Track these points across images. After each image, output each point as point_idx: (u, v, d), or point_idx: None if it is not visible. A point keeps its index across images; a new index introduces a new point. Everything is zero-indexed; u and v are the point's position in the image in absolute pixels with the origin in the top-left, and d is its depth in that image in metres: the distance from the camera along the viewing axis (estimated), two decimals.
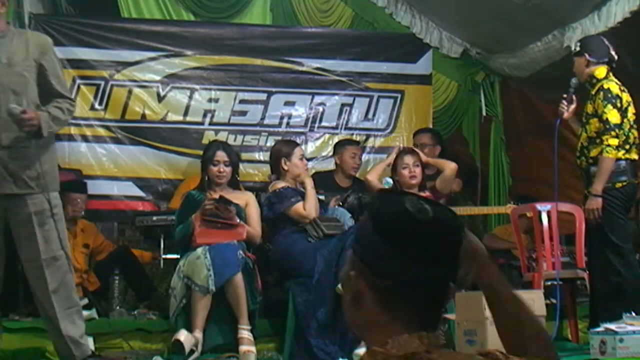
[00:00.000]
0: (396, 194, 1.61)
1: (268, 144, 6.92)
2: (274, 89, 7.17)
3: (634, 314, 4.64)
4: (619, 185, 5.06)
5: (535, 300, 4.83)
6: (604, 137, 5.01)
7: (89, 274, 6.02)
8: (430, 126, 7.26)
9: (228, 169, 5.51)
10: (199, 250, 5.08)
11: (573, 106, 5.32)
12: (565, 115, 5.31)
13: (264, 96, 7.17)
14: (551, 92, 6.32)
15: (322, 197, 5.73)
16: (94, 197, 6.48)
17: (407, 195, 1.55)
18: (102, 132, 6.85)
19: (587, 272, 5.39)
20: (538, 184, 7.20)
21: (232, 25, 7.35)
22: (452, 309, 5.18)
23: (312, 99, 7.27)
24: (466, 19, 7.17)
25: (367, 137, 7.34)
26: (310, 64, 7.26)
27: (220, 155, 5.50)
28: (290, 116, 7.22)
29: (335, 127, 7.30)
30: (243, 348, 4.98)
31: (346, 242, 4.89)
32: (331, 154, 6.97)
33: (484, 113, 7.73)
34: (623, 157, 5.04)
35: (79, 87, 6.81)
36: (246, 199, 5.54)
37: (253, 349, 5.02)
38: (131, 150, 6.88)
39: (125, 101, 6.89)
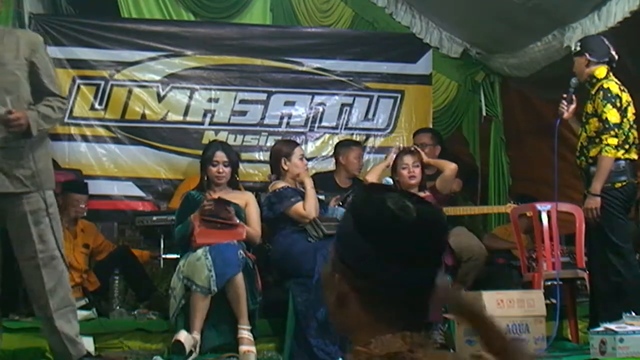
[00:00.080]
0: (380, 191, 1.55)
1: (268, 144, 6.92)
2: (274, 89, 7.18)
3: (634, 314, 4.64)
4: (618, 185, 5.06)
5: (535, 300, 4.85)
6: (604, 137, 5.01)
7: (89, 274, 6.02)
8: (430, 126, 7.26)
9: (227, 169, 5.51)
10: (200, 251, 5.07)
11: (573, 106, 5.32)
12: (565, 115, 5.31)
13: (264, 96, 7.17)
14: (551, 92, 6.32)
15: (322, 197, 5.73)
16: (94, 197, 6.47)
17: (391, 193, 1.52)
18: (102, 132, 6.85)
19: (587, 272, 5.39)
20: (538, 184, 7.20)
21: (232, 25, 7.35)
22: None
23: (312, 99, 7.27)
24: (466, 19, 7.17)
25: (367, 137, 7.34)
26: (310, 64, 7.26)
27: (220, 155, 5.50)
28: (290, 116, 7.22)
29: (335, 127, 7.30)
30: (243, 348, 4.98)
31: None
32: (331, 154, 6.97)
33: (484, 113, 7.74)
34: (622, 157, 5.04)
35: (79, 87, 6.81)
36: (246, 199, 5.54)
37: (253, 349, 5.02)
38: (131, 150, 6.88)
39: (125, 101, 6.89)
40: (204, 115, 7.05)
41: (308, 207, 5.37)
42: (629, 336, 4.41)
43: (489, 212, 7.32)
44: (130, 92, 6.91)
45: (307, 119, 7.24)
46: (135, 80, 6.93)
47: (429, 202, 1.58)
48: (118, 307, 5.80)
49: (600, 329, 4.54)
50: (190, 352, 4.91)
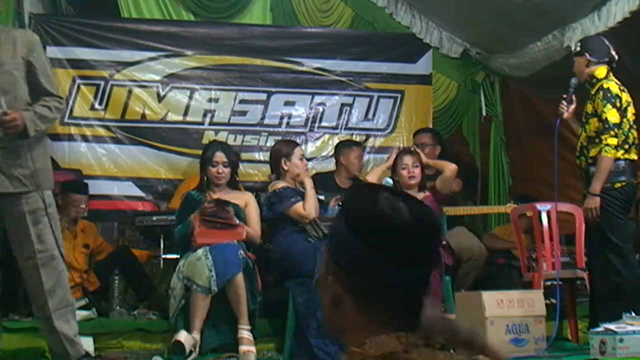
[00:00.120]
0: (372, 191, 1.53)
1: (268, 144, 6.92)
2: (274, 89, 7.18)
3: (634, 314, 4.64)
4: (618, 185, 5.05)
5: (535, 300, 4.85)
6: (603, 137, 5.00)
7: (89, 274, 6.02)
8: (430, 126, 7.26)
9: (227, 170, 5.51)
10: (200, 251, 5.07)
11: (573, 106, 5.32)
12: (565, 115, 5.31)
13: (264, 96, 7.17)
14: (551, 92, 6.32)
15: (322, 197, 5.73)
16: (94, 197, 6.47)
17: (383, 193, 1.50)
18: (102, 132, 6.85)
19: (587, 272, 5.38)
20: (538, 184, 7.20)
21: (232, 25, 7.35)
22: (452, 309, 5.19)
23: (312, 99, 7.27)
24: (466, 19, 7.17)
25: (367, 137, 7.34)
26: (310, 64, 7.26)
27: (219, 156, 5.50)
28: (290, 116, 7.22)
29: (335, 127, 7.30)
30: (243, 348, 4.98)
31: None
32: (331, 154, 6.97)
33: (484, 113, 7.74)
34: (622, 157, 5.04)
35: (79, 87, 6.81)
36: (245, 199, 5.54)
37: (253, 349, 5.02)
38: (131, 150, 6.88)
39: (125, 101, 6.89)
40: (204, 115, 7.05)
41: (308, 207, 5.37)
42: (629, 336, 4.41)
43: (489, 212, 7.32)
44: (130, 92, 6.91)
45: (307, 119, 7.24)
46: (135, 80, 6.93)
47: (421, 201, 1.56)
48: (118, 307, 5.80)
49: (600, 329, 4.53)
50: (190, 352, 4.91)
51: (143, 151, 6.89)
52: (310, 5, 7.54)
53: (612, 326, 4.48)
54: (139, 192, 6.87)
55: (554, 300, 5.25)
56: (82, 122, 6.81)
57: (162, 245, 6.21)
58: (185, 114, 7.02)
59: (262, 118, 7.14)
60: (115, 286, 5.90)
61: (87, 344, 4.93)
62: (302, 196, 5.43)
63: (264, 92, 7.17)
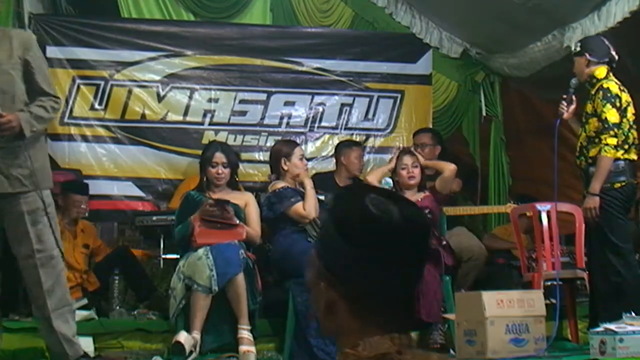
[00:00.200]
0: (358, 192, 1.52)
1: (268, 144, 6.92)
2: (274, 89, 7.17)
3: (633, 314, 4.64)
4: (617, 185, 5.05)
5: (535, 300, 4.84)
6: (603, 137, 5.00)
7: (89, 274, 6.01)
8: (430, 126, 7.26)
9: (227, 170, 5.51)
10: (200, 250, 5.08)
11: (573, 106, 5.32)
12: (565, 115, 5.30)
13: (263, 96, 7.17)
14: (551, 92, 6.32)
15: (322, 197, 5.73)
16: (94, 197, 6.47)
17: (371, 194, 1.49)
18: (102, 132, 6.85)
19: (587, 272, 5.38)
20: (538, 184, 7.20)
21: (232, 25, 7.35)
22: (452, 309, 5.19)
23: (312, 99, 7.26)
24: (466, 19, 7.17)
25: (367, 137, 7.34)
26: (310, 64, 7.26)
27: (219, 156, 5.50)
28: (290, 116, 7.22)
29: (335, 127, 7.30)
30: (243, 348, 4.98)
31: None
32: (331, 154, 6.97)
33: (484, 113, 7.73)
34: (622, 157, 5.03)
35: (79, 87, 6.81)
36: (245, 200, 5.54)
37: (253, 349, 5.02)
38: (131, 150, 6.88)
39: (125, 101, 6.89)
40: (204, 115, 7.04)
41: (308, 207, 5.37)
42: (629, 336, 4.40)
43: (489, 212, 7.32)
44: (130, 92, 6.91)
45: (307, 119, 7.24)
46: (135, 80, 6.93)
47: (411, 202, 1.55)
48: (118, 307, 5.80)
49: (600, 329, 4.53)
50: (191, 352, 4.91)
51: (143, 151, 6.89)
52: (310, 5, 7.54)
53: (612, 326, 4.47)
54: (139, 192, 6.87)
55: (554, 300, 5.25)
56: (82, 122, 6.81)
57: (162, 245, 6.21)
58: (185, 114, 7.02)
59: (262, 118, 7.14)
60: (115, 286, 5.90)
61: (87, 344, 4.94)
62: (302, 196, 5.43)
63: (264, 92, 7.17)
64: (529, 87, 7.67)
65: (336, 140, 7.08)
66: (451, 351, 5.20)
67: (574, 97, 5.32)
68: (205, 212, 5.23)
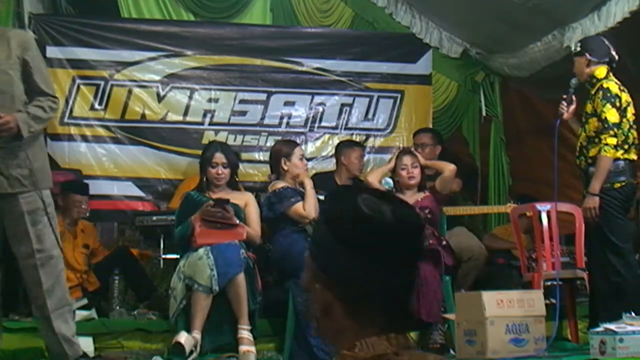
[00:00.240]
0: (351, 194, 1.52)
1: (268, 144, 6.92)
2: (274, 89, 7.17)
3: (633, 314, 4.64)
4: (617, 185, 5.05)
5: (535, 300, 4.84)
6: (603, 137, 5.00)
7: (89, 274, 6.02)
8: (430, 126, 7.26)
9: (226, 171, 5.50)
10: (201, 250, 5.08)
11: (573, 107, 5.32)
12: (565, 116, 5.30)
13: (263, 96, 7.17)
14: (551, 92, 6.32)
15: (322, 197, 5.73)
16: (94, 197, 6.47)
17: (363, 195, 1.49)
18: (102, 132, 6.85)
19: (587, 272, 5.38)
20: (538, 184, 7.20)
21: (232, 25, 7.35)
22: (452, 309, 5.19)
23: (312, 99, 7.26)
24: (466, 19, 7.17)
25: (367, 137, 7.34)
26: (310, 64, 7.26)
27: (219, 157, 5.49)
28: (290, 116, 7.22)
29: (335, 127, 7.30)
30: (243, 348, 4.98)
31: None
32: (331, 154, 6.97)
33: (484, 113, 7.73)
34: (622, 157, 5.03)
35: (79, 87, 6.81)
36: (245, 200, 5.54)
37: (253, 349, 5.02)
38: (131, 150, 6.88)
39: (125, 101, 6.89)
40: (204, 115, 7.04)
41: (308, 207, 5.37)
42: (629, 336, 4.40)
43: (489, 212, 7.32)
44: (130, 92, 6.91)
45: (307, 119, 7.24)
46: (135, 80, 6.93)
47: (403, 201, 1.55)
48: (118, 307, 5.80)
49: (600, 329, 4.53)
50: (191, 352, 4.91)
51: (143, 151, 6.89)
52: (310, 5, 7.54)
53: (612, 326, 4.47)
54: (139, 192, 6.87)
55: (553, 300, 5.25)
56: (82, 122, 6.81)
57: (162, 245, 6.21)
58: (185, 114, 7.02)
59: (262, 118, 7.14)
60: (115, 286, 5.90)
61: (87, 344, 4.94)
62: (302, 196, 5.43)
63: (264, 92, 7.17)
64: (529, 87, 7.67)
65: (336, 140, 7.08)
66: (451, 351, 5.20)
67: (574, 97, 5.32)
68: (206, 212, 5.23)
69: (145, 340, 5.40)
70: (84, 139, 6.80)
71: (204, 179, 5.52)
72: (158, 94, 6.97)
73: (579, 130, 5.29)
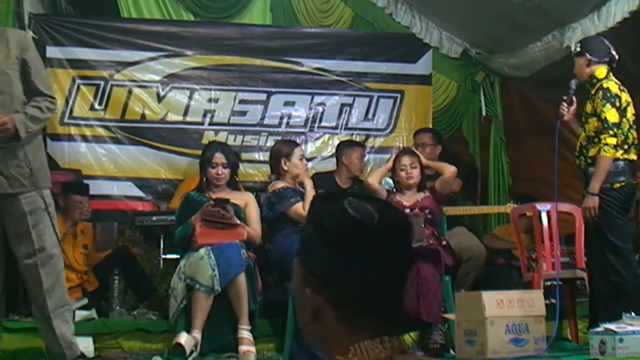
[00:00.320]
0: (338, 198, 1.51)
1: (268, 144, 6.92)
2: (273, 89, 7.17)
3: (633, 314, 4.64)
4: (617, 185, 5.05)
5: (535, 300, 4.84)
6: (602, 136, 5.00)
7: (89, 274, 6.02)
8: (430, 126, 7.25)
9: (226, 171, 5.50)
10: (202, 250, 5.07)
11: (573, 107, 5.32)
12: (566, 117, 5.31)
13: (263, 96, 7.17)
14: (551, 92, 6.32)
15: None
16: (94, 197, 6.47)
17: (350, 199, 1.49)
18: (102, 132, 6.84)
19: (587, 272, 5.38)
20: (538, 184, 7.20)
21: (232, 25, 7.34)
22: (452, 309, 5.19)
23: (312, 99, 7.26)
24: (466, 19, 7.17)
25: (367, 137, 7.34)
26: (310, 64, 7.25)
27: (219, 157, 5.49)
28: (290, 116, 7.22)
29: (335, 127, 7.30)
30: (243, 348, 4.98)
31: None
32: (331, 154, 6.97)
33: (484, 113, 7.73)
34: (621, 157, 5.03)
35: (78, 87, 6.81)
36: (246, 200, 5.54)
37: (253, 349, 5.02)
38: (131, 150, 6.87)
39: (125, 101, 6.89)
40: (204, 116, 7.04)
41: (308, 207, 5.36)
42: (629, 336, 4.40)
43: (489, 212, 7.32)
44: (130, 92, 6.91)
45: (307, 119, 7.24)
46: (135, 80, 6.93)
47: (389, 203, 1.56)
48: (118, 307, 5.80)
49: (600, 329, 4.53)
50: (191, 352, 4.91)
51: (143, 151, 6.89)
52: (310, 5, 7.54)
53: (612, 326, 4.47)
54: (138, 192, 6.86)
55: (553, 300, 5.26)
56: (82, 122, 6.81)
57: (162, 245, 6.21)
58: (185, 114, 7.01)
59: (262, 118, 7.14)
60: (115, 286, 5.90)
61: (87, 344, 4.94)
62: (302, 196, 5.43)
63: (263, 92, 7.17)
64: (529, 87, 7.67)
65: (336, 140, 7.08)
66: (451, 351, 5.20)
67: (574, 98, 5.32)
68: (206, 212, 5.22)
69: (145, 340, 5.40)
70: (84, 139, 6.80)
71: (204, 179, 5.52)
72: (158, 94, 6.96)
73: (579, 130, 5.29)
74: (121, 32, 6.97)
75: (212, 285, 4.96)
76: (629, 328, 4.45)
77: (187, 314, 5.06)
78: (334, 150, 6.92)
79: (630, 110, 5.11)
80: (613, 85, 5.08)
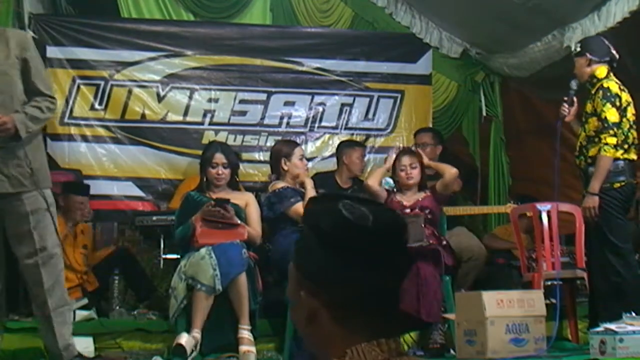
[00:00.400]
0: (332, 200, 1.51)
1: (268, 144, 6.92)
2: (274, 89, 7.17)
3: (634, 314, 4.64)
4: (617, 185, 5.05)
5: (535, 300, 4.84)
6: (602, 136, 5.01)
7: (88, 274, 6.02)
8: (431, 126, 7.25)
9: (227, 171, 5.50)
10: (203, 250, 5.07)
11: (574, 108, 5.32)
12: (567, 118, 5.31)
13: (264, 96, 7.17)
14: (551, 92, 6.32)
15: None
16: (94, 197, 6.46)
17: (344, 201, 1.49)
18: (102, 132, 6.84)
19: (587, 272, 5.38)
20: (538, 184, 7.20)
21: (232, 25, 7.34)
22: (452, 309, 5.19)
23: (312, 99, 7.26)
24: (466, 19, 7.16)
25: (367, 137, 7.33)
26: (310, 64, 7.25)
27: (219, 157, 5.49)
28: (290, 116, 7.22)
29: (335, 127, 7.29)
30: (243, 348, 4.98)
31: None
32: (331, 154, 6.97)
33: (484, 113, 7.73)
34: (621, 157, 5.03)
35: (79, 87, 6.81)
36: (246, 200, 5.54)
37: (253, 349, 5.02)
38: (131, 150, 6.87)
39: (125, 101, 6.89)
40: (204, 115, 7.04)
41: None
42: (629, 336, 4.40)
43: (489, 212, 7.32)
44: (130, 92, 6.91)
45: (307, 119, 7.24)
46: (135, 80, 6.93)
47: (384, 205, 1.57)
48: (118, 307, 5.80)
49: (600, 329, 4.53)
50: (191, 352, 4.91)
51: (143, 151, 6.89)
52: (310, 5, 7.53)
53: (612, 326, 4.47)
54: (139, 192, 6.86)
55: (554, 300, 5.25)
56: (82, 122, 6.81)
57: (162, 245, 6.21)
58: (185, 114, 7.01)
59: (262, 118, 7.14)
60: (115, 286, 5.90)
61: (87, 344, 4.95)
62: (302, 196, 5.43)
63: (264, 92, 7.17)
64: (529, 87, 7.67)
65: (336, 140, 7.08)
66: (451, 351, 5.20)
67: (575, 99, 5.32)
68: (207, 212, 5.22)
69: (145, 340, 5.41)
70: (84, 139, 6.80)
71: (204, 179, 5.52)
72: (158, 94, 6.96)
73: (579, 130, 5.29)
74: (121, 32, 6.97)
75: (213, 285, 4.95)
76: (629, 328, 4.45)
77: (187, 314, 5.06)
78: (334, 150, 6.92)
79: (631, 110, 5.11)
80: (613, 84, 5.08)
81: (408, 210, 5.52)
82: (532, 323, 4.75)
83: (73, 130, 6.78)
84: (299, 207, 5.37)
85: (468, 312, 4.81)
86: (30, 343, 4.96)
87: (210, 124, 7.04)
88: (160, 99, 6.97)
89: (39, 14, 6.85)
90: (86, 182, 6.47)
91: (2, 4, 6.09)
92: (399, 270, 1.49)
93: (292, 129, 7.18)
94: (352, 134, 7.27)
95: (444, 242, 5.55)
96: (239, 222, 5.30)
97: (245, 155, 6.88)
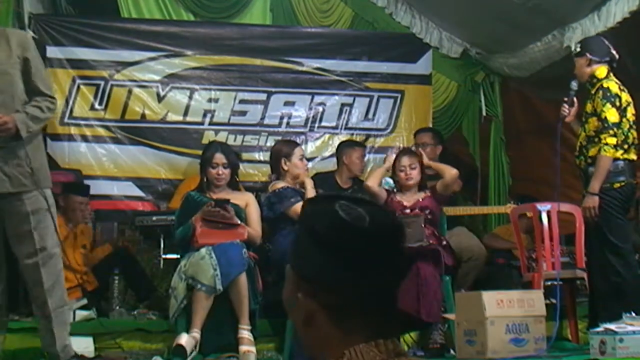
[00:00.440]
0: (328, 201, 1.51)
1: (268, 144, 6.92)
2: (273, 89, 7.17)
3: (633, 314, 4.64)
4: (617, 185, 5.05)
5: (535, 300, 4.84)
6: (602, 136, 5.01)
7: (88, 274, 6.02)
8: (431, 126, 7.25)
9: (227, 171, 5.50)
10: (203, 250, 5.07)
11: (574, 109, 5.32)
12: (568, 118, 5.31)
13: (263, 96, 7.17)
14: (551, 92, 6.32)
15: None
16: (94, 197, 6.47)
17: (340, 202, 1.49)
18: (102, 132, 6.84)
19: (587, 272, 5.38)
20: (538, 184, 7.20)
21: (232, 25, 7.34)
22: (452, 309, 5.19)
23: (312, 99, 7.26)
24: (466, 19, 7.17)
25: (367, 137, 7.33)
26: (310, 64, 7.25)
27: (219, 157, 5.49)
28: (290, 116, 7.22)
29: (335, 127, 7.29)
30: (243, 348, 4.98)
31: None
32: (331, 154, 6.97)
33: (484, 113, 7.73)
34: (621, 157, 5.03)
35: (79, 87, 6.81)
36: (246, 200, 5.54)
37: (253, 349, 5.02)
38: (131, 150, 6.87)
39: (125, 101, 6.89)
40: (204, 115, 7.04)
41: None
42: (629, 336, 4.41)
43: (489, 212, 7.32)
44: (130, 92, 6.91)
45: (307, 119, 7.24)
46: (135, 80, 6.93)
47: (380, 205, 1.56)
48: (118, 307, 5.80)
49: (600, 329, 4.53)
50: (191, 352, 4.91)
51: (143, 151, 6.89)
52: (310, 5, 7.53)
53: (612, 326, 4.47)
54: (139, 192, 6.86)
55: (554, 300, 5.25)
56: (82, 122, 6.81)
57: (162, 245, 6.21)
58: (185, 114, 7.01)
59: (262, 118, 7.14)
60: (115, 286, 5.90)
61: (87, 344, 4.94)
62: (302, 196, 5.43)
63: (264, 92, 7.17)
64: (529, 87, 7.67)
65: (336, 140, 7.08)
66: (451, 351, 5.20)
67: (575, 99, 5.32)
68: (207, 212, 5.22)
69: (145, 340, 5.40)
70: (84, 139, 6.80)
71: (204, 179, 5.52)
72: (158, 94, 6.96)
73: (579, 130, 5.29)
74: (121, 32, 6.97)
75: (213, 285, 4.96)
76: (629, 328, 4.46)
77: (187, 314, 5.06)
78: (334, 150, 6.92)
79: (631, 110, 5.11)
80: (613, 85, 5.08)
81: (408, 211, 5.52)
82: (532, 323, 4.75)
83: (73, 130, 6.78)
84: (299, 207, 5.36)
85: (468, 312, 4.81)
86: (30, 343, 4.96)
87: (210, 124, 7.04)
88: (160, 99, 6.97)
89: (39, 14, 6.86)
90: (86, 182, 6.48)
91: (2, 4, 6.10)
92: (397, 271, 1.49)
93: (292, 129, 7.18)
94: (352, 134, 7.27)
95: (444, 242, 5.55)
96: (239, 222, 5.30)
97: (245, 155, 6.88)
